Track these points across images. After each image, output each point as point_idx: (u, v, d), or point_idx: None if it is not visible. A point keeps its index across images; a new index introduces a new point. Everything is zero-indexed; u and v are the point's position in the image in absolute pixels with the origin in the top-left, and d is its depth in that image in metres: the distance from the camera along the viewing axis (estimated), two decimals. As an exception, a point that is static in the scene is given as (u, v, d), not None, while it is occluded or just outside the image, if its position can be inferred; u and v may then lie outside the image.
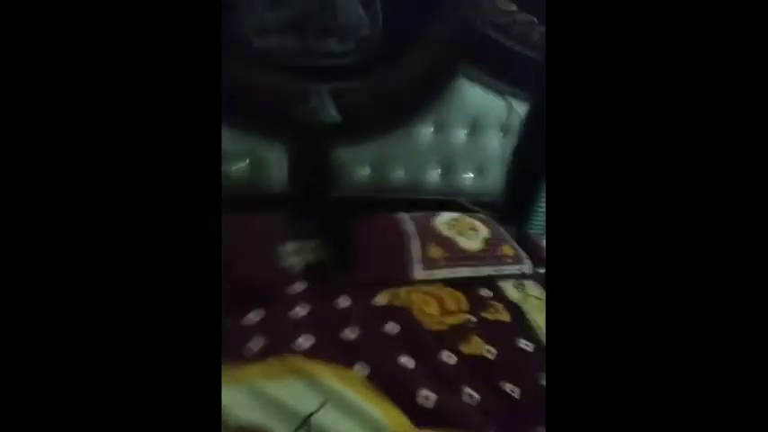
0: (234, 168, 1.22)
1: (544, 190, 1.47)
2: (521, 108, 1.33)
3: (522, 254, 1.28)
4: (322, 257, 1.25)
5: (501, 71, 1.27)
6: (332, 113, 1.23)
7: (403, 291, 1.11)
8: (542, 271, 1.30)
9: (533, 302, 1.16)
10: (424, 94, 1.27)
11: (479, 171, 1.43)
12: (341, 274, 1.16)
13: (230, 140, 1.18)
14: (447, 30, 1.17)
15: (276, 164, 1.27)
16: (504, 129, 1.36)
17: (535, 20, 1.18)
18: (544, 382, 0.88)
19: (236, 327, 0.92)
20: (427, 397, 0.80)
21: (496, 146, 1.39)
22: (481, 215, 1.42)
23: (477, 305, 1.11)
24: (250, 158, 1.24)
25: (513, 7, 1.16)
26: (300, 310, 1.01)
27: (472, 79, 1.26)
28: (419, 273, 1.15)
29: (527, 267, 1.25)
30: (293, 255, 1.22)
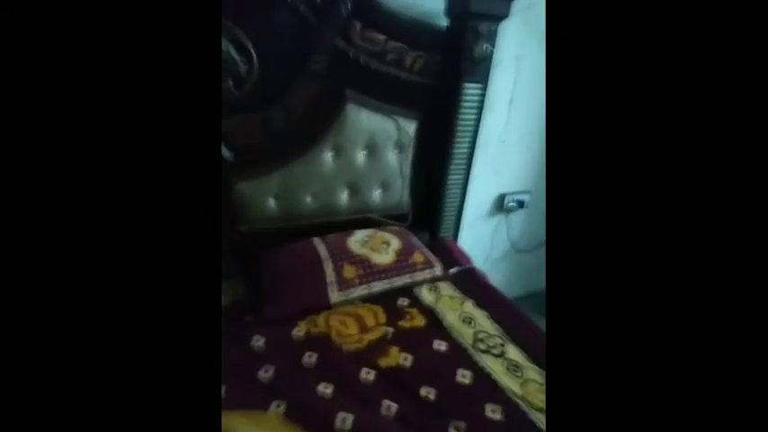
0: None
1: (449, 196, 1.59)
2: (409, 126, 1.43)
3: (432, 257, 1.37)
4: (237, 297, 1.21)
5: (384, 95, 1.36)
6: (223, 152, 1.22)
7: (321, 317, 1.12)
8: (453, 271, 1.40)
9: (446, 302, 1.24)
10: (316, 123, 1.31)
11: (384, 187, 1.51)
12: (257, 311, 1.13)
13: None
14: (326, 62, 1.23)
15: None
16: (399, 146, 1.45)
17: (405, 46, 1.30)
18: (460, 379, 0.95)
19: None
20: (344, 419, 0.81)
21: (395, 162, 1.48)
22: (395, 228, 1.49)
23: (394, 316, 1.16)
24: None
25: (382, 38, 1.26)
26: (211, 360, 0.96)
27: (359, 104, 1.34)
28: (335, 296, 1.17)
29: (438, 270, 1.34)
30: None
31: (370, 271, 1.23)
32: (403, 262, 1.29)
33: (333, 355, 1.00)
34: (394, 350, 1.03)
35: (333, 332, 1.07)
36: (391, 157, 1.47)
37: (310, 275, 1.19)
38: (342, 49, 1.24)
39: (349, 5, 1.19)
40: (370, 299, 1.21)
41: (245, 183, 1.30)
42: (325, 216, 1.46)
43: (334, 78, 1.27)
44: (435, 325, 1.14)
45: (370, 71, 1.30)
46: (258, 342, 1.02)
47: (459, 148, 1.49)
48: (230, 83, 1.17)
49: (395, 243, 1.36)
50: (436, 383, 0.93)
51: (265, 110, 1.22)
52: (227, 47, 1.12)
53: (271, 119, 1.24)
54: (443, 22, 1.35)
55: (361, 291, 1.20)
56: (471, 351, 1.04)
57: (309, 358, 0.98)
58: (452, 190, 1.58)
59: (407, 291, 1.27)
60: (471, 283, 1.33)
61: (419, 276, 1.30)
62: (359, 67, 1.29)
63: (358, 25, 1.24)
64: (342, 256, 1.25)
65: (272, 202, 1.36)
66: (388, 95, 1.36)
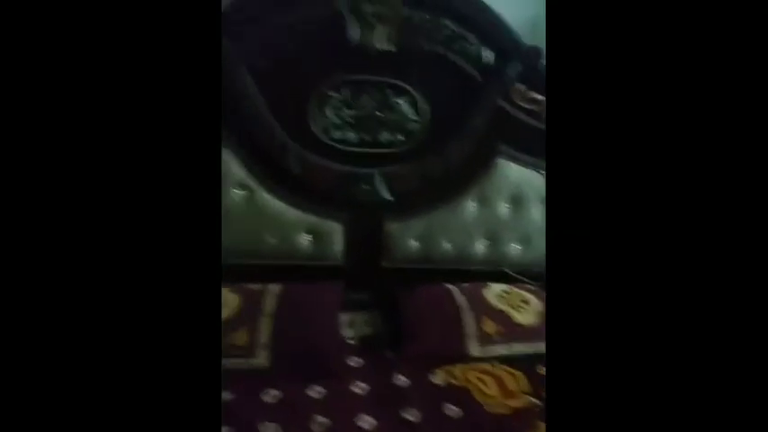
0: (302, 240, 1.34)
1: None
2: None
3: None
4: (375, 329, 1.28)
5: (536, 149, 1.36)
6: (384, 194, 1.35)
7: (458, 368, 1.10)
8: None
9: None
10: (466, 174, 1.37)
11: (525, 243, 1.46)
12: (395, 347, 1.17)
13: (296, 217, 1.32)
14: (484, 120, 1.30)
15: (334, 238, 1.38)
16: (545, 202, 1.41)
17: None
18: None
19: (301, 402, 0.95)
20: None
21: (539, 218, 1.43)
22: (531, 286, 1.42)
23: (538, 386, 1.07)
24: (312, 233, 1.36)
25: (541, 96, 1.28)
26: (359, 388, 1.02)
27: (510, 158, 1.36)
28: (475, 349, 1.14)
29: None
30: (348, 326, 1.26)
31: (511, 329, 1.18)
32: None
33: (476, 414, 0.96)
34: (542, 427, 0.93)
35: (473, 388, 1.03)
36: (536, 212, 1.43)
37: (449, 322, 1.20)
38: (501, 107, 1.30)
39: (516, 69, 1.25)
40: (508, 361, 1.14)
41: (395, 224, 1.40)
42: (460, 263, 1.47)
43: (491, 134, 1.33)
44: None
45: (523, 127, 1.32)
46: (400, 381, 1.05)
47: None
48: (402, 137, 1.31)
49: (535, 304, 1.28)
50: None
51: (426, 160, 1.33)
52: (406, 107, 1.28)
53: (429, 168, 1.35)
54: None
55: (501, 350, 1.15)
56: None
57: (453, 411, 0.96)
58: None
59: (548, 360, 1.17)
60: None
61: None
62: (515, 124, 1.32)
63: (521, 87, 1.29)
64: (481, 307, 1.23)
65: (413, 244, 1.43)
66: (538, 150, 1.36)
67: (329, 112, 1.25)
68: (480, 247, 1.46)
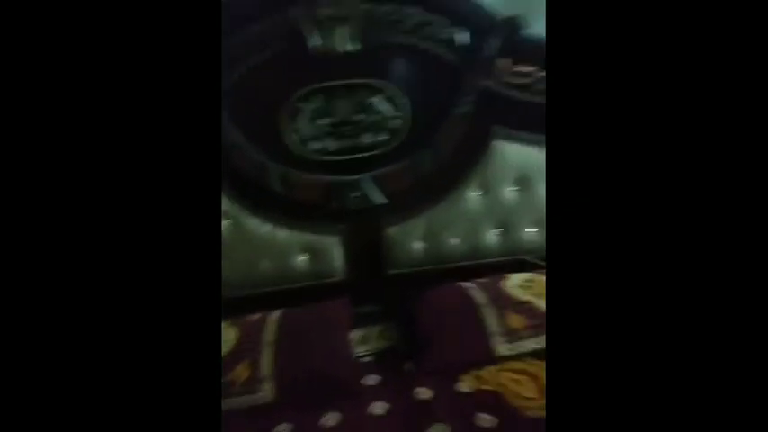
0: (298, 261, 1.27)
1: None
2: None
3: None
4: (390, 342, 1.17)
5: (534, 124, 1.27)
6: (377, 198, 1.28)
7: (487, 371, 0.97)
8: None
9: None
10: (462, 163, 1.29)
11: (541, 225, 1.34)
12: (413, 358, 1.05)
13: (288, 237, 1.25)
14: (470, 103, 1.23)
15: (332, 254, 1.30)
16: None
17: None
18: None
19: (313, 429, 0.84)
20: None
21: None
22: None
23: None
24: (308, 252, 1.28)
25: (531, 69, 1.20)
26: (378, 408, 0.90)
27: (507, 138, 1.27)
28: (502, 348, 1.01)
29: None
30: (360, 343, 1.15)
31: (540, 321, 1.05)
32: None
33: (513, 420, 0.83)
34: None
35: (506, 391, 0.90)
36: (545, 190, 1.32)
37: (468, 323, 1.07)
38: (487, 87, 1.23)
39: (495, 44, 1.19)
40: (543, 355, 1.01)
41: (395, 227, 1.32)
42: (473, 258, 1.36)
43: (481, 116, 1.25)
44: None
45: (517, 103, 1.24)
46: (423, 395, 0.93)
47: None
48: (385, 136, 1.25)
49: (563, 288, 1.15)
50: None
51: (416, 156, 1.26)
52: (383, 105, 1.22)
53: (420, 164, 1.27)
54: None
55: (534, 343, 1.01)
56: None
57: (487, 420, 0.83)
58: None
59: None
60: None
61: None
62: (505, 102, 1.24)
63: (506, 61, 1.22)
64: (503, 302, 1.11)
65: (418, 245, 1.34)
66: (538, 126, 1.26)
67: (302, 124, 1.21)
68: (492, 237, 1.36)
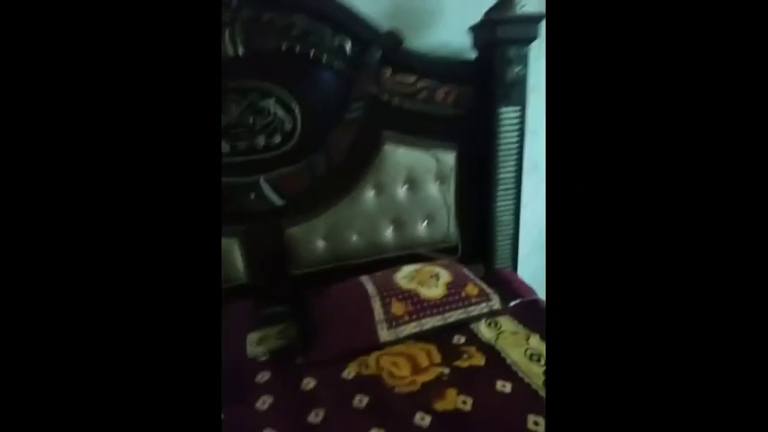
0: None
1: (500, 225, 1.51)
2: (448, 156, 1.43)
3: (488, 290, 1.27)
4: (289, 340, 1.22)
5: (420, 130, 1.39)
6: (274, 199, 1.31)
7: (372, 357, 1.07)
8: (515, 303, 1.28)
9: (508, 338, 1.12)
10: (357, 165, 1.37)
11: (429, 220, 1.48)
12: (308, 353, 1.12)
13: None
14: (361, 108, 1.31)
15: (232, 257, 1.31)
16: (439, 177, 1.44)
17: (435, 82, 1.34)
18: (532, 426, 0.82)
19: None
20: (398, 471, 0.73)
21: (437, 194, 1.46)
22: (444, 261, 1.43)
23: (449, 355, 1.07)
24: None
25: (412, 78, 1.32)
26: (263, 402, 0.95)
27: (396, 143, 1.38)
28: (384, 334, 1.12)
29: (495, 303, 1.23)
30: (257, 344, 1.19)
31: (420, 306, 1.18)
32: (455, 295, 1.22)
33: (384, 397, 0.93)
34: (451, 392, 0.93)
35: (384, 373, 1.01)
36: (433, 189, 1.46)
37: (358, 314, 1.17)
38: (375, 95, 1.32)
39: (377, 55, 1.28)
40: (423, 337, 1.14)
41: (296, 228, 1.36)
42: (373, 254, 1.46)
43: (371, 122, 1.34)
44: (497, 363, 1.02)
45: (403, 111, 1.35)
46: (309, 385, 1.00)
47: (505, 174, 1.44)
48: (279, 139, 1.29)
49: (444, 276, 1.29)
50: (501, 429, 0.81)
51: (310, 158, 1.31)
52: (275, 108, 1.25)
53: (315, 166, 1.33)
54: (472, 54, 1.38)
55: (413, 328, 1.14)
56: (542, 392, 0.90)
57: (360, 402, 0.93)
58: (503, 218, 1.50)
59: (463, 327, 1.18)
60: (536, 316, 1.20)
61: (474, 310, 1.20)
62: (392, 109, 1.35)
63: (388, 71, 1.32)
64: (389, 291, 1.22)
65: (320, 244, 1.40)
66: (423, 131, 1.39)
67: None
68: (388, 233, 1.46)
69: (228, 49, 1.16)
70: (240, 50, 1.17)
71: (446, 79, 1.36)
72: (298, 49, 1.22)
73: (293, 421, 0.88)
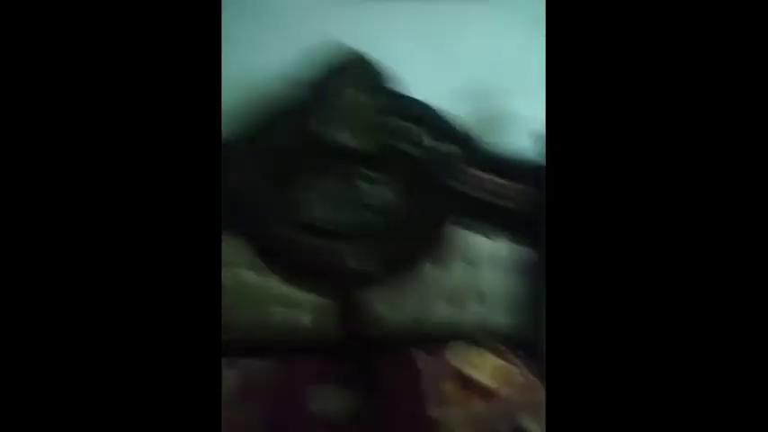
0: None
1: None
2: (514, 248, 1.55)
3: (536, 383, 1.31)
4: (348, 405, 1.32)
5: (491, 219, 1.54)
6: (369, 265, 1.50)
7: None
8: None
9: None
10: (422, 245, 1.53)
11: (485, 304, 1.58)
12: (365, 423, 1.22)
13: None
14: (439, 197, 1.50)
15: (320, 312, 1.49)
16: (505, 266, 1.55)
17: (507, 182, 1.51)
18: None
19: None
20: None
21: (501, 281, 1.56)
22: (496, 346, 1.49)
23: None
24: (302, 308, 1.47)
25: (487, 176, 1.50)
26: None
27: (465, 227, 1.53)
28: (434, 412, 1.20)
29: (541, 396, 1.26)
30: (322, 400, 1.31)
31: (469, 390, 1.25)
32: (506, 383, 1.27)
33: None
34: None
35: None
36: (496, 275, 1.56)
37: (410, 389, 1.26)
38: (448, 185, 1.51)
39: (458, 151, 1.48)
40: (471, 421, 1.20)
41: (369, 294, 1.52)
42: (423, 329, 1.56)
43: (443, 207, 1.52)
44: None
45: (476, 203, 1.51)
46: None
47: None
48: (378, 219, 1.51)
49: (495, 362, 1.36)
50: None
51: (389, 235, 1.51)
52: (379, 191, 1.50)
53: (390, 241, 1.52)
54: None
55: (460, 411, 1.21)
56: None
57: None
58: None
59: (508, 418, 1.22)
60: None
61: (522, 399, 1.25)
62: (464, 200, 1.51)
63: (465, 166, 1.51)
64: (440, 369, 1.31)
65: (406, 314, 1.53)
66: (492, 220, 1.53)
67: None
68: (444, 310, 1.57)
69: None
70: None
71: (517, 178, 1.51)
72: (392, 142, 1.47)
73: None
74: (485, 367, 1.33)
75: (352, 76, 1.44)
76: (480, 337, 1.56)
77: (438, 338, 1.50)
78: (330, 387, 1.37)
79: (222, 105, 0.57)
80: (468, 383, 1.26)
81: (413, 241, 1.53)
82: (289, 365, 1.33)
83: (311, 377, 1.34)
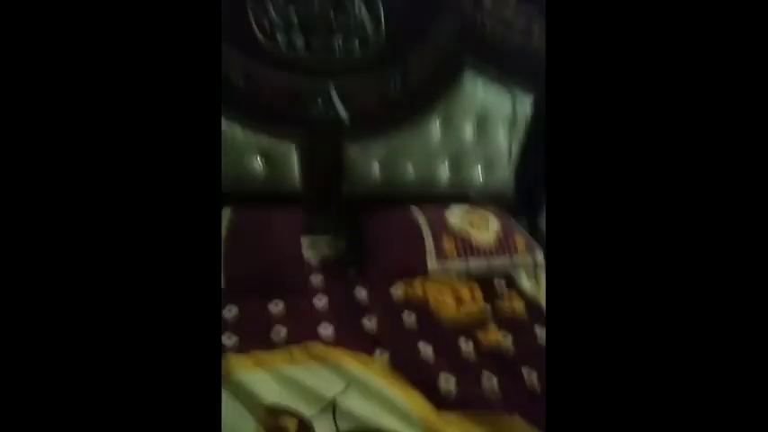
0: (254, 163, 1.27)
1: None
2: (526, 101, 1.35)
3: (535, 244, 1.29)
4: (336, 251, 1.27)
5: (505, 64, 1.29)
6: (341, 111, 1.27)
7: (418, 282, 1.13)
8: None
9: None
10: (430, 91, 1.30)
11: (488, 166, 1.45)
12: (355, 267, 1.18)
13: (243, 138, 1.22)
14: (450, 26, 1.20)
15: (289, 162, 1.31)
16: (511, 123, 1.38)
17: (536, 11, 1.21)
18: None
19: (261, 315, 0.95)
20: (448, 380, 0.81)
21: (503, 140, 1.41)
22: (494, 208, 1.44)
23: (491, 295, 1.12)
24: (264, 156, 1.28)
25: (514, 1, 1.19)
26: (320, 301, 1.03)
27: (477, 72, 1.29)
28: (433, 264, 1.17)
29: (540, 257, 1.26)
30: (309, 248, 1.24)
31: (469, 247, 1.21)
32: (504, 243, 1.24)
33: (430, 318, 1.01)
34: (493, 327, 1.00)
35: (430, 298, 1.07)
36: (500, 134, 1.40)
37: (410, 240, 1.21)
38: (468, 13, 1.19)
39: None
40: (467, 275, 1.19)
41: (355, 145, 1.34)
42: (422, 188, 1.45)
43: (455, 45, 1.23)
44: (537, 312, 1.08)
45: (494, 37, 1.23)
46: (361, 294, 1.07)
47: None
48: (356, 44, 1.19)
49: (494, 223, 1.31)
50: (538, 368, 0.88)
51: (383, 73, 1.23)
52: (360, 6, 1.14)
53: (387, 82, 1.25)
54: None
55: (458, 264, 1.18)
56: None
57: (409, 317, 1.00)
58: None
59: (504, 273, 1.22)
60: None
61: (520, 261, 1.24)
62: (483, 33, 1.23)
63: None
64: (441, 226, 1.24)
65: (375, 167, 1.39)
66: (507, 65, 1.29)
67: (271, 9, 1.09)
68: (443, 170, 1.44)
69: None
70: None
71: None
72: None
73: (348, 321, 0.96)
74: (486, 229, 1.27)
75: None
76: (478, 199, 1.49)
77: (438, 199, 1.41)
78: (318, 237, 1.31)
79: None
80: (469, 243, 1.21)
81: (415, 89, 1.28)
82: (274, 216, 1.21)
83: (298, 226, 1.24)
